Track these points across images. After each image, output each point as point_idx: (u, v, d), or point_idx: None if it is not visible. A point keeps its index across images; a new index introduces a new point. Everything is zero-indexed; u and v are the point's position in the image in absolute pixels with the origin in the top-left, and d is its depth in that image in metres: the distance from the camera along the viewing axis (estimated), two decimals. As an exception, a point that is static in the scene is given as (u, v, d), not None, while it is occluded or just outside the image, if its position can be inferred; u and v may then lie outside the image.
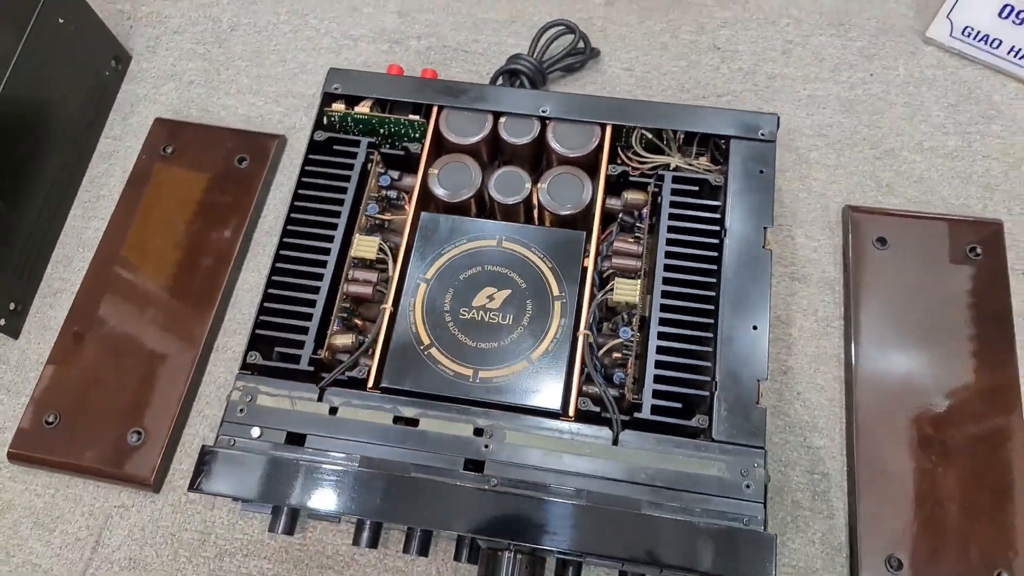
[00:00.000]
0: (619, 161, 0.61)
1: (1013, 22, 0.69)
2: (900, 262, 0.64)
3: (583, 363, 0.52)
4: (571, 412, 0.51)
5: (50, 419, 0.63)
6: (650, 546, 0.47)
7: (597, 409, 0.51)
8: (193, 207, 0.69)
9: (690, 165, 0.60)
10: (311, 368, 0.53)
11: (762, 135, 0.58)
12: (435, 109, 0.60)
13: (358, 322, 0.57)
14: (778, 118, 0.58)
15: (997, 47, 0.71)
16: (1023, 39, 0.70)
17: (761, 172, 0.57)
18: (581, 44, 0.73)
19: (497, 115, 0.60)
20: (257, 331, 0.54)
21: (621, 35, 0.76)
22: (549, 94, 0.60)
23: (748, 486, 0.48)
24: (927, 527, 0.57)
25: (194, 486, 0.49)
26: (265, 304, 0.55)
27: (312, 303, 0.55)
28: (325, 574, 0.57)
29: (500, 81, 0.71)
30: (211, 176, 0.71)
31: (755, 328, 0.52)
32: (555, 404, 0.51)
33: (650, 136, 0.59)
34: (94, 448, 0.60)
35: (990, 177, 0.68)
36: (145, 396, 0.62)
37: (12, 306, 0.67)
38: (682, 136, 0.59)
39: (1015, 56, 0.71)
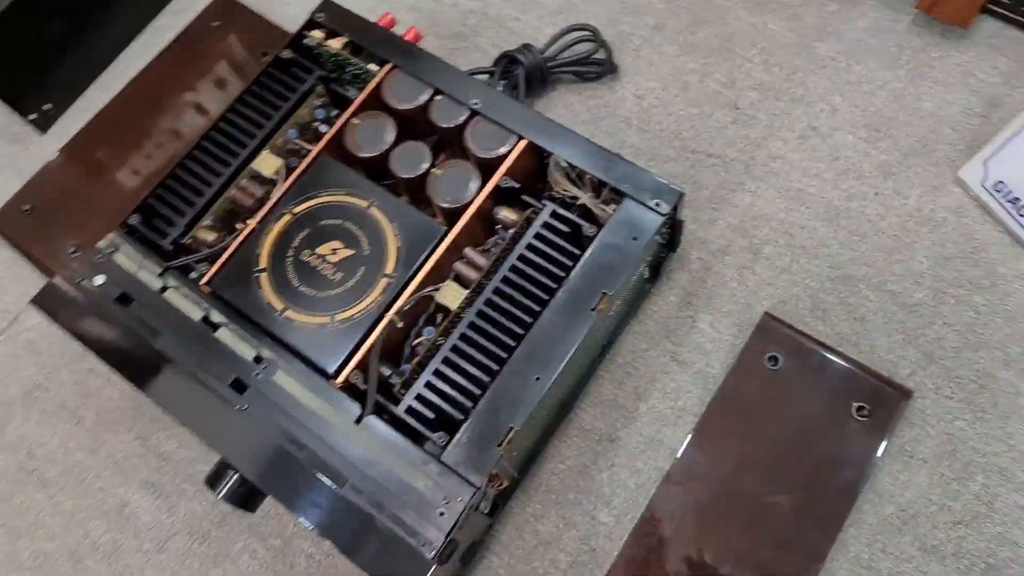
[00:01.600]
0: (546, 180, 0.61)
1: (1052, 195, 0.60)
2: (782, 387, 0.60)
3: (374, 343, 0.54)
4: (339, 380, 0.54)
5: (26, 208, 0.74)
6: (329, 519, 0.50)
7: (364, 387, 0.54)
8: (209, 82, 0.77)
9: (596, 207, 0.59)
10: (171, 248, 0.59)
11: (656, 205, 0.55)
12: (388, 65, 0.63)
13: (237, 226, 0.62)
14: (680, 196, 0.55)
15: (1026, 215, 0.62)
16: (1057, 218, 0.60)
17: (634, 239, 0.55)
18: (601, 55, 0.72)
19: (436, 92, 0.61)
20: (147, 199, 0.61)
21: (651, 61, 0.74)
22: (489, 91, 0.61)
23: (442, 514, 0.49)
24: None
25: (36, 300, 0.58)
26: (165, 180, 0.61)
27: (200, 193, 0.61)
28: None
29: (501, 63, 0.72)
30: (234, 61, 0.78)
31: (537, 379, 0.52)
32: (330, 367, 0.54)
33: (564, 166, 0.59)
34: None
35: (939, 348, 0.60)
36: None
37: (47, 107, 0.79)
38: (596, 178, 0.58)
39: (1041, 233, 0.61)
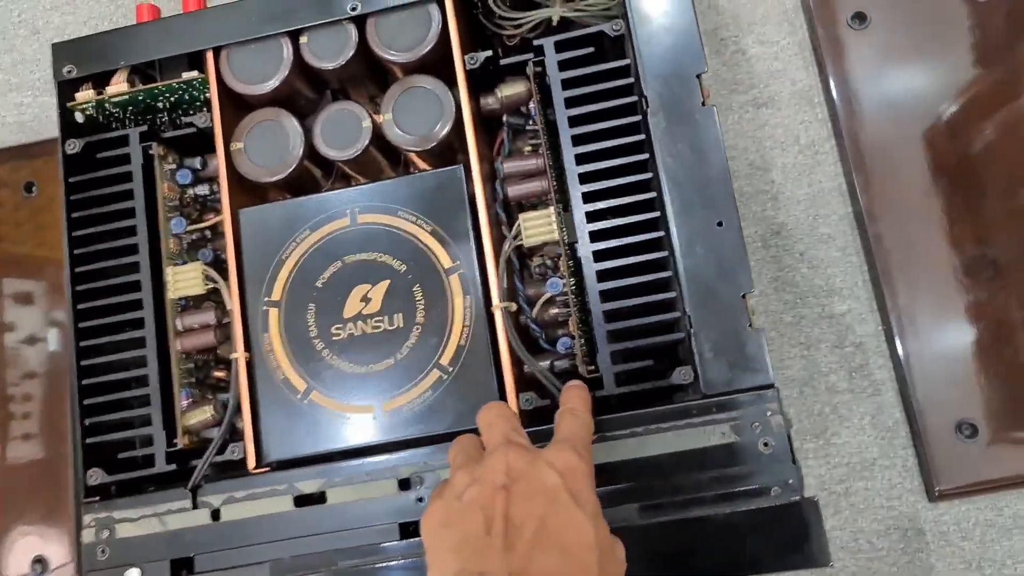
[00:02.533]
0: (488, 34, 0.44)
1: None
2: (889, 37, 0.48)
3: (510, 346, 0.38)
4: (514, 405, 0.38)
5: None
6: (657, 562, 0.36)
7: (547, 401, 0.38)
8: (-7, 267, 0.54)
9: (577, 11, 0.43)
10: (172, 466, 0.40)
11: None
12: (210, 55, 0.43)
13: (216, 380, 0.43)
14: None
15: None
16: None
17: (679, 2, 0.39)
18: None
19: (295, 35, 0.42)
20: (87, 440, 0.40)
21: None
22: (350, -21, 0.42)
23: (766, 444, 0.36)
24: (998, 375, 0.44)
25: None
26: (84, 402, 0.41)
27: (143, 380, 0.41)
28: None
29: None
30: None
31: (720, 224, 0.37)
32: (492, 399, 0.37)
33: (500, -7, 0.42)
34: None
35: None
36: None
37: None
38: (559, -26, 0.42)
39: None
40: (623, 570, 0.31)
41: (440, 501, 0.30)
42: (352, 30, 0.42)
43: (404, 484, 0.38)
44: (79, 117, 0.44)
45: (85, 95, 0.43)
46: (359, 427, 0.39)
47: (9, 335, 0.53)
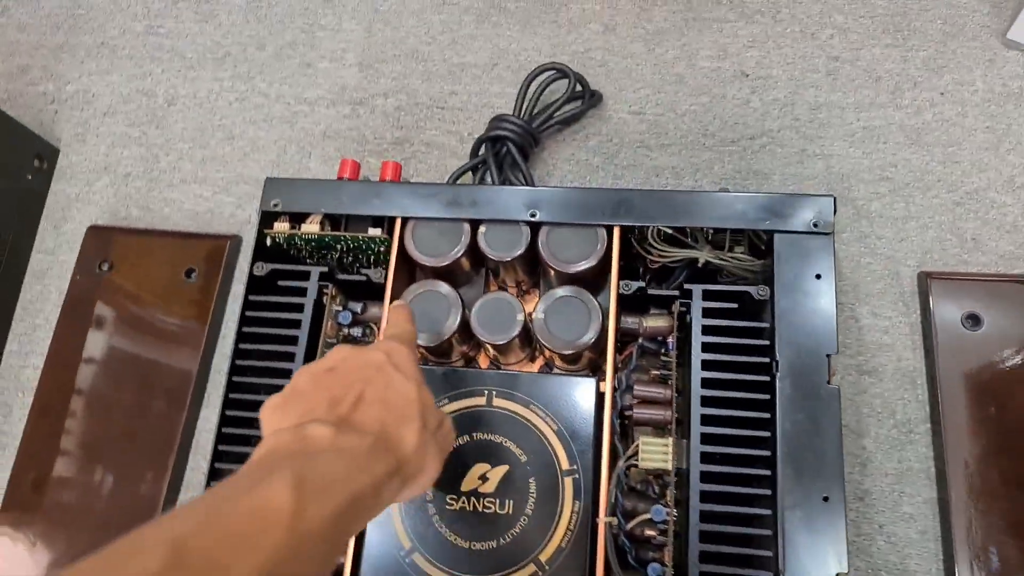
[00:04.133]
0: (633, 252, 0.49)
1: (1125, 15, 0.54)
2: (1000, 344, 0.51)
3: (606, 560, 0.41)
4: (591, 631, 0.40)
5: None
6: None
7: (629, 623, 0.40)
8: (139, 335, 0.59)
9: (723, 260, 0.47)
10: None
11: (815, 226, 0.45)
12: (398, 221, 0.48)
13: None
14: (835, 200, 0.45)
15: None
16: None
17: (818, 277, 0.44)
18: (579, 88, 0.60)
19: (475, 223, 0.48)
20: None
21: (627, 69, 0.63)
22: (539, 192, 0.48)
23: None
24: None
25: None
26: (216, 465, 0.44)
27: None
28: None
29: (483, 150, 0.58)
30: (157, 295, 0.60)
31: (826, 499, 0.40)
32: (573, 622, 0.40)
33: (669, 231, 0.47)
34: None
35: (1104, 219, 0.54)
36: None
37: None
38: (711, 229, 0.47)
39: None
40: (450, 439, 0.37)
41: (279, 394, 0.35)
42: (526, 231, 0.47)
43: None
44: (268, 242, 0.50)
45: (281, 227, 0.49)
46: (449, 597, 0.41)
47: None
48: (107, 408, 0.57)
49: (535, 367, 0.49)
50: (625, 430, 0.45)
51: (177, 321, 0.59)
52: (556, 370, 0.48)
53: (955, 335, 0.52)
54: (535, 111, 0.60)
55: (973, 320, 0.52)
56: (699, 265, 0.48)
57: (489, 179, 0.57)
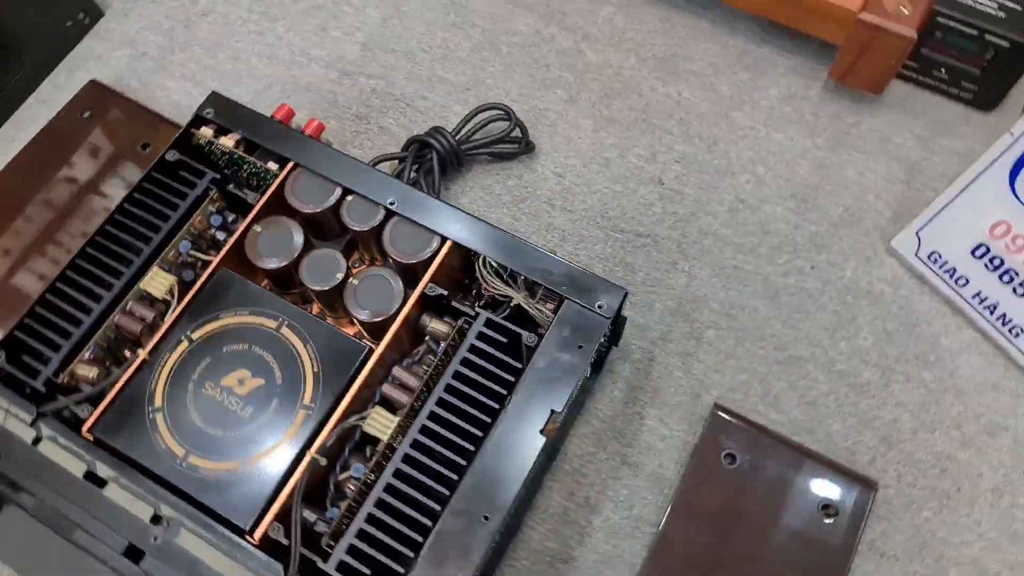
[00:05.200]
0: (475, 275, 0.55)
1: (986, 265, 0.59)
2: (742, 487, 0.56)
3: (295, 488, 0.47)
4: (256, 536, 0.46)
5: None
6: None
7: (287, 543, 0.46)
8: (86, 176, 0.69)
9: (531, 307, 0.54)
10: (43, 388, 0.51)
11: (599, 307, 0.51)
12: (290, 164, 0.56)
13: (120, 358, 0.54)
14: (625, 295, 0.51)
15: (963, 285, 0.61)
16: (992, 286, 0.59)
17: (580, 348, 0.50)
18: (517, 133, 0.68)
19: (346, 191, 0.56)
20: (15, 331, 0.52)
21: (569, 137, 0.70)
22: (404, 188, 0.55)
23: None
24: None
25: None
26: (36, 307, 0.53)
27: (78, 322, 0.52)
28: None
29: (412, 149, 0.67)
30: (113, 152, 0.70)
31: (486, 519, 0.46)
32: (243, 521, 0.46)
33: (495, 265, 0.54)
34: None
35: (896, 431, 0.58)
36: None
37: None
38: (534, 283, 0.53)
39: (979, 303, 0.60)
40: None
41: None
42: (381, 213, 0.55)
43: (155, 519, 0.47)
44: (194, 142, 0.58)
45: (205, 132, 0.58)
46: (165, 460, 0.48)
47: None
48: (35, 232, 0.67)
49: (351, 331, 0.56)
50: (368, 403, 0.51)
51: (117, 180, 0.68)
52: (357, 333, 0.55)
53: (709, 464, 0.57)
54: (473, 136, 0.68)
55: (730, 458, 0.57)
56: (511, 305, 0.54)
57: (404, 174, 0.65)
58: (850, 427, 0.59)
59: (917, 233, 0.62)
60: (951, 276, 0.61)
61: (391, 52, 0.75)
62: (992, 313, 0.60)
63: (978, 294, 0.60)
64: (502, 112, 0.68)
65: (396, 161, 0.67)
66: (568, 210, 0.67)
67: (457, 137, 0.67)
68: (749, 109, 0.71)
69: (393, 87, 0.73)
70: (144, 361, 0.51)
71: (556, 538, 0.56)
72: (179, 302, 0.53)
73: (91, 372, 0.52)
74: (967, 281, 0.60)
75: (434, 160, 0.65)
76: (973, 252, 0.59)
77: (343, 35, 0.76)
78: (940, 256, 0.61)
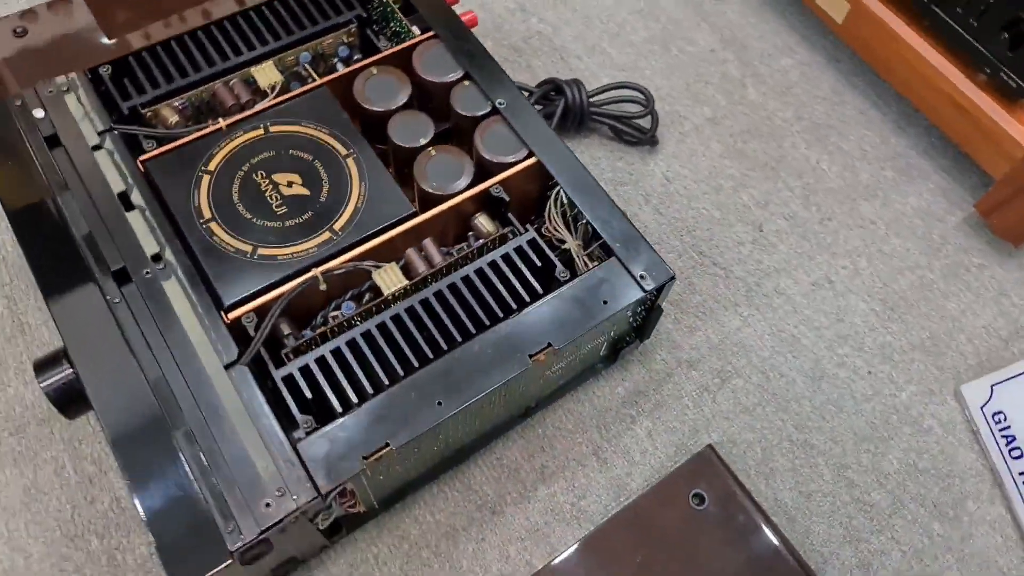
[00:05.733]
0: (546, 209, 0.55)
1: (1052, 446, 0.54)
2: (697, 531, 0.52)
3: (285, 293, 0.47)
4: (230, 316, 0.46)
5: (18, 28, 0.68)
6: (144, 464, 0.42)
7: (252, 335, 0.46)
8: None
9: (581, 258, 0.53)
10: (127, 111, 0.53)
11: (641, 278, 0.49)
12: (430, 33, 0.58)
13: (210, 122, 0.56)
14: (671, 278, 0.50)
15: (1016, 458, 0.55)
16: (1048, 472, 0.54)
17: (605, 303, 0.48)
18: (646, 123, 0.68)
19: (466, 76, 0.56)
20: (128, 55, 0.55)
21: (694, 150, 0.69)
22: (520, 97, 0.55)
23: (268, 505, 0.41)
24: None
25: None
26: (156, 44, 0.56)
27: (185, 72, 0.55)
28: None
29: (544, 87, 0.67)
30: None
31: (439, 404, 0.45)
32: (227, 298, 0.47)
33: (564, 204, 0.53)
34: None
35: (879, 562, 0.53)
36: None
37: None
38: (592, 228, 0.52)
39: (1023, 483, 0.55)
40: None
41: None
42: (487, 108, 0.55)
43: (156, 258, 0.48)
44: None
45: None
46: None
47: None
48: None
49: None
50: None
51: None
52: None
53: (676, 492, 0.53)
54: (607, 105, 0.67)
55: (699, 499, 0.53)
56: (562, 249, 0.53)
57: (531, 99, 0.66)
58: (834, 536, 0.54)
59: (992, 386, 0.57)
60: (1008, 444, 0.56)
61: (572, 9, 0.76)
62: (1034, 499, 0.54)
63: (1029, 475, 0.55)
64: (642, 97, 0.67)
65: (527, 94, 0.67)
66: (659, 212, 0.66)
67: (592, 99, 0.67)
68: (879, 205, 0.68)
69: (557, 37, 0.74)
70: (220, 129, 0.53)
71: (495, 486, 0.54)
72: (275, 96, 0.55)
73: (173, 117, 0.54)
74: (1021, 455, 0.55)
75: (559, 106, 0.66)
76: (1044, 426, 0.54)
77: (540, -23, 0.78)
78: (1005, 418, 0.56)
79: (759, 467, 0.56)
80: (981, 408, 0.58)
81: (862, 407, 0.59)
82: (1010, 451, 0.56)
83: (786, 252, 0.65)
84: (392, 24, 0.60)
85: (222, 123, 0.53)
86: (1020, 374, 0.56)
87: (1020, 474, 0.55)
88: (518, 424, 0.56)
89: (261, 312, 0.47)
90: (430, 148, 0.54)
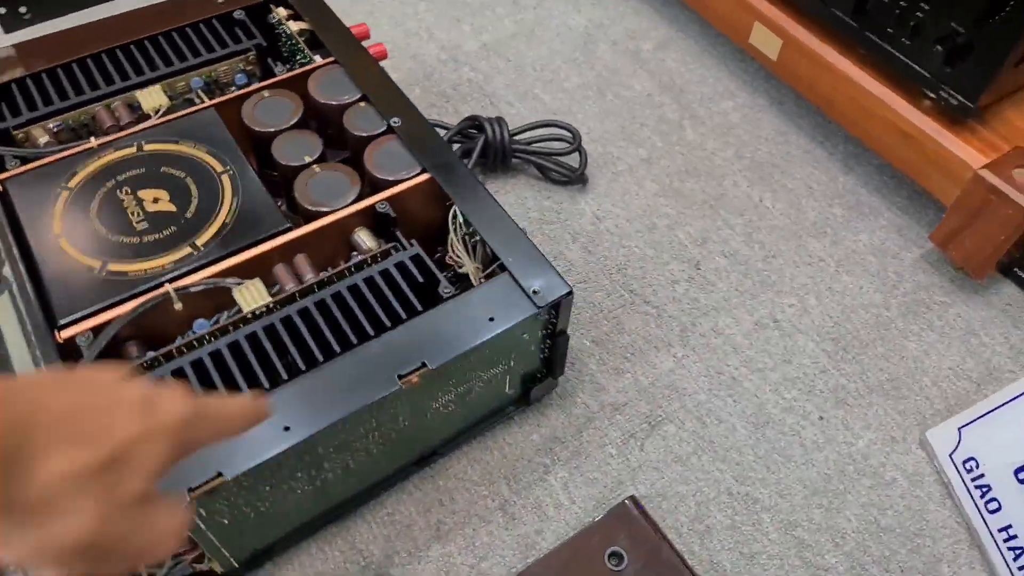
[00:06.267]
0: (447, 233, 0.50)
1: (1030, 494, 0.46)
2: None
3: (129, 311, 0.42)
4: (63, 335, 0.41)
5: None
6: None
7: (85, 355, 0.41)
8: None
9: (476, 280, 0.48)
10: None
11: (533, 292, 0.44)
12: (329, 59, 0.55)
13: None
14: (568, 294, 0.44)
15: (993, 511, 0.47)
16: (1027, 524, 0.46)
17: (491, 320, 0.43)
18: (575, 163, 0.64)
19: (363, 99, 0.53)
20: (11, 81, 0.52)
21: (627, 190, 0.65)
22: (420, 119, 0.52)
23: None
24: None
25: None
26: (42, 73, 0.53)
27: (66, 96, 0.52)
28: None
29: (463, 124, 0.64)
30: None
31: (286, 429, 0.38)
32: (60, 316, 0.42)
33: (465, 232, 0.48)
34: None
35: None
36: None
37: (23, 10, 0.74)
38: (491, 249, 0.47)
39: (1004, 540, 0.47)
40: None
41: None
42: (382, 127, 0.51)
43: None
44: (266, 15, 0.59)
45: (281, 11, 0.58)
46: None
47: None
48: None
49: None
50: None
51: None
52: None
53: (589, 552, 0.46)
54: (532, 144, 0.64)
55: (617, 559, 0.46)
56: (459, 271, 0.49)
57: (448, 135, 0.63)
58: (777, 603, 0.46)
59: (959, 429, 0.50)
60: (982, 495, 0.48)
61: (504, 59, 0.74)
62: (1016, 560, 0.46)
63: (1007, 528, 0.47)
64: (569, 135, 0.64)
65: (444, 131, 0.64)
66: (588, 250, 0.61)
67: (516, 137, 0.64)
68: (828, 243, 0.62)
69: (488, 85, 0.72)
70: (90, 148, 0.49)
71: (383, 545, 0.47)
72: (158, 118, 0.51)
73: (43, 138, 0.51)
74: (999, 507, 0.47)
75: (479, 142, 0.62)
76: (1016, 473, 0.47)
77: (472, 31, 0.77)
78: (977, 465, 0.48)
79: (693, 524, 0.48)
80: (950, 455, 0.50)
81: (813, 456, 0.51)
82: (986, 504, 0.48)
83: (726, 290, 0.59)
84: (299, 59, 0.57)
85: (93, 142, 0.49)
86: (987, 413, 0.49)
87: (1000, 530, 0.47)
88: (414, 474, 0.49)
89: (98, 330, 0.42)
90: (315, 166, 0.50)
